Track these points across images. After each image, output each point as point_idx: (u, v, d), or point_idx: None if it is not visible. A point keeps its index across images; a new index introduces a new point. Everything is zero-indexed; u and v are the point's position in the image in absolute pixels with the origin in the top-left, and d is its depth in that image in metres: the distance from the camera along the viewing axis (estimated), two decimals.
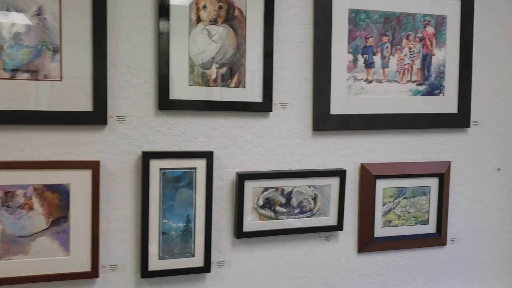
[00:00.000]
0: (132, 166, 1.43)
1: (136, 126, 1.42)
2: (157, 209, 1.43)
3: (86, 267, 1.40)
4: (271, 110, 1.51)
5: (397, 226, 1.64)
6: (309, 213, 1.55)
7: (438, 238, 1.70)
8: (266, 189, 1.51)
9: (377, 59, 1.61)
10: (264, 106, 1.51)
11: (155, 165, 1.42)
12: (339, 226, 1.59)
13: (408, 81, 1.64)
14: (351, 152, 1.62)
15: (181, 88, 1.43)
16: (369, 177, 1.60)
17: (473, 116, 1.76)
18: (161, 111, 1.45)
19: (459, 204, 1.77)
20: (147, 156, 1.41)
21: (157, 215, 1.44)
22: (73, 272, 1.38)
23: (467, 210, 1.78)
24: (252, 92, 1.50)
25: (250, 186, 1.50)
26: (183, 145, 1.46)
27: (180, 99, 1.44)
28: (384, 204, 1.62)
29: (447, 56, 1.69)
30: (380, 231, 1.64)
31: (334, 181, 1.56)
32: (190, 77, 1.44)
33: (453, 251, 1.77)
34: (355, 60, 1.59)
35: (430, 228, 1.69)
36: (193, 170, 1.46)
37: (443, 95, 1.68)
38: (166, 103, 1.43)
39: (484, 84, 1.77)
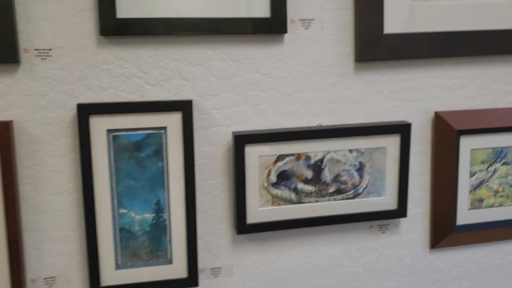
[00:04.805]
0: (66, 127, 1.06)
1: (68, 64, 1.04)
2: (107, 193, 1.06)
3: (3, 283, 1.04)
4: (285, 32, 1.12)
5: (492, 206, 1.34)
6: (352, 192, 1.22)
7: None
8: (281, 157, 1.16)
9: None
10: (274, 25, 1.10)
11: (100, 125, 1.04)
12: (400, 211, 1.26)
13: None
14: (418, 94, 1.26)
15: None
16: (448, 132, 1.28)
17: None
18: (106, 39, 1.05)
19: None
20: (85, 111, 1.03)
21: (108, 202, 1.06)
22: None
23: None
24: (251, 2, 1.09)
25: (255, 154, 1.13)
26: (145, 92, 1.09)
27: (135, 18, 1.02)
28: (472, 174, 1.32)
29: None
30: (465, 215, 1.33)
31: (392, 142, 1.22)
32: None
33: None
34: None
35: None
36: (162, 132, 1.07)
37: None
38: (112, 24, 1.02)
39: None
